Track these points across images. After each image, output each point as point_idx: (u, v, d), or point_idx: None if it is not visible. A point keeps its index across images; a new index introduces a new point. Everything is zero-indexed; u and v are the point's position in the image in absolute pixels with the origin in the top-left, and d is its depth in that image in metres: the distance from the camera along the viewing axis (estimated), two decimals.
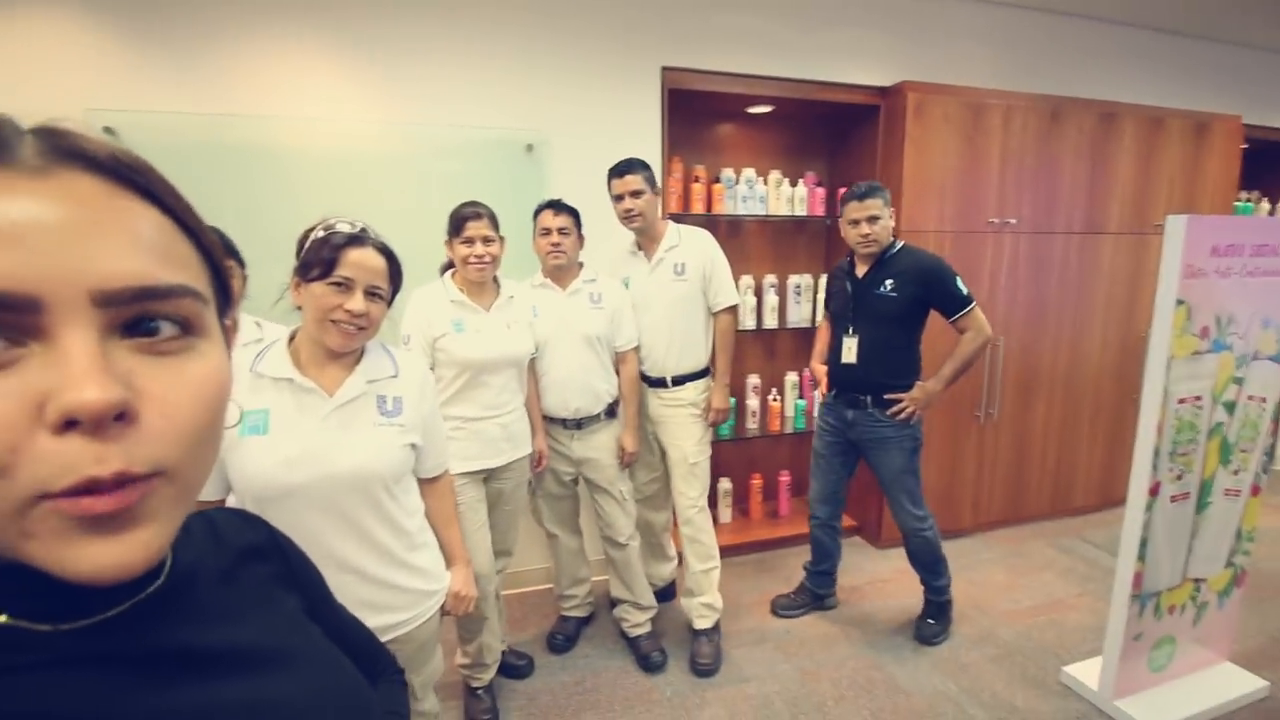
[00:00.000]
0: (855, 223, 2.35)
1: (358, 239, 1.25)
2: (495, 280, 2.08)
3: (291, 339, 1.31)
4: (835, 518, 2.68)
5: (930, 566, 2.56)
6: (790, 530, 3.28)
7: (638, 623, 2.54)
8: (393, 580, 1.32)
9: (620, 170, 2.30)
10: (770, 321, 3.22)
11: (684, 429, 2.47)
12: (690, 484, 2.48)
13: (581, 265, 2.33)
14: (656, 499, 2.67)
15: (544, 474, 2.37)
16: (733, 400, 3.14)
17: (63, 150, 0.32)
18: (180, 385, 0.34)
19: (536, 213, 2.25)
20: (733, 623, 2.69)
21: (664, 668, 2.45)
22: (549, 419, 2.34)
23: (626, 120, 2.75)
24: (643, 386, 2.48)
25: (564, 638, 2.58)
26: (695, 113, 3.03)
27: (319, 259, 1.22)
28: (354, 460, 1.24)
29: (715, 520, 3.27)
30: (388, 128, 2.52)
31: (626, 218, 2.32)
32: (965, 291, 2.33)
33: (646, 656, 2.46)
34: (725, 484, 3.33)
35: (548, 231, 2.21)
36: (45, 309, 0.30)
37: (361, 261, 1.24)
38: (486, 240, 1.95)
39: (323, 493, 1.22)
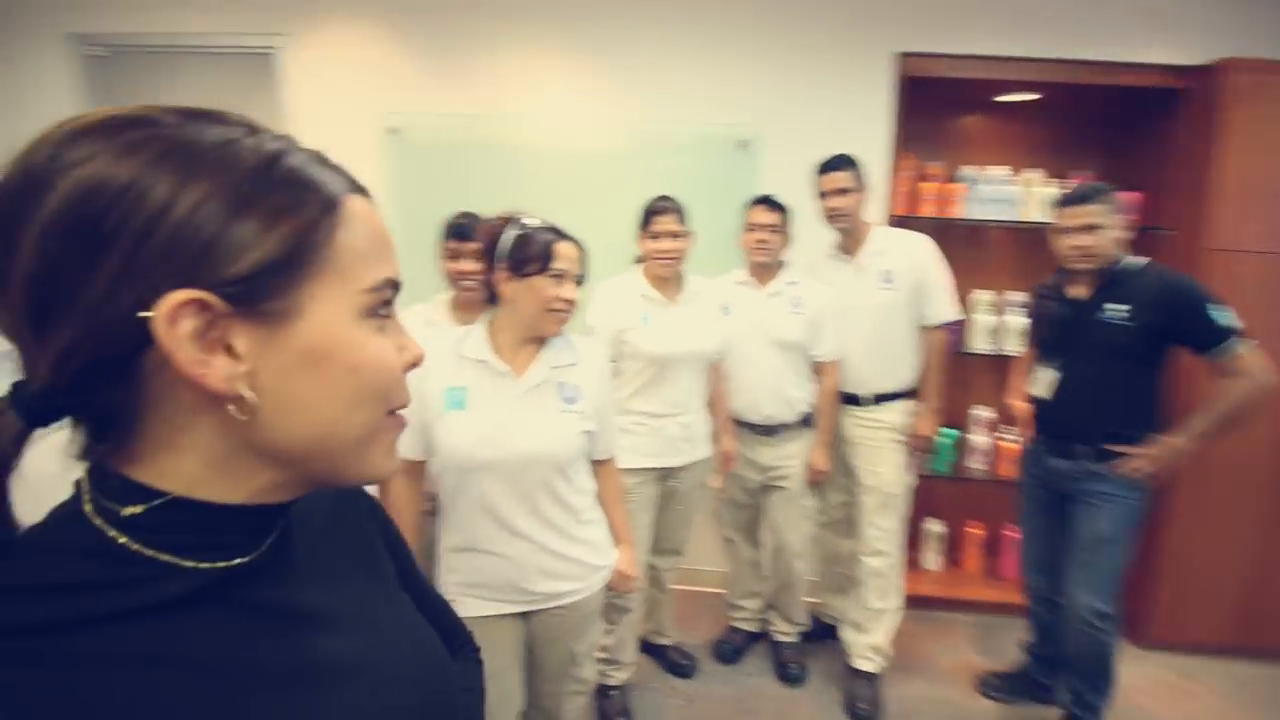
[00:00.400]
0: (1066, 232, 1.90)
1: (560, 233, 1.39)
2: (682, 275, 2.07)
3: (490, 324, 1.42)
4: (1058, 591, 2.11)
5: (1092, 678, 1.99)
6: (1014, 597, 2.76)
7: (784, 631, 2.45)
8: (566, 551, 1.41)
9: (829, 166, 2.15)
10: (1012, 345, 2.75)
11: (882, 454, 2.23)
12: (884, 515, 2.22)
13: (784, 265, 2.22)
14: (845, 525, 2.44)
15: (729, 478, 2.30)
16: (955, 433, 2.75)
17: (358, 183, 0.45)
18: None
19: (748, 207, 2.20)
20: (914, 683, 2.37)
21: (801, 682, 2.34)
22: (739, 423, 2.25)
23: (849, 114, 2.56)
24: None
25: (731, 648, 2.49)
26: (931, 103, 2.71)
27: (535, 254, 1.33)
28: (536, 443, 1.34)
29: (916, 565, 2.92)
30: (613, 124, 2.65)
31: (832, 217, 2.17)
32: (1225, 321, 1.75)
33: (785, 665, 2.38)
34: (935, 526, 2.93)
35: (755, 227, 2.15)
36: (399, 290, 0.45)
37: (568, 253, 1.37)
38: (673, 235, 1.95)
39: (506, 469, 1.32)
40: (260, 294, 0.37)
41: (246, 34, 2.65)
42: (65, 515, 0.39)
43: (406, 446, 1.36)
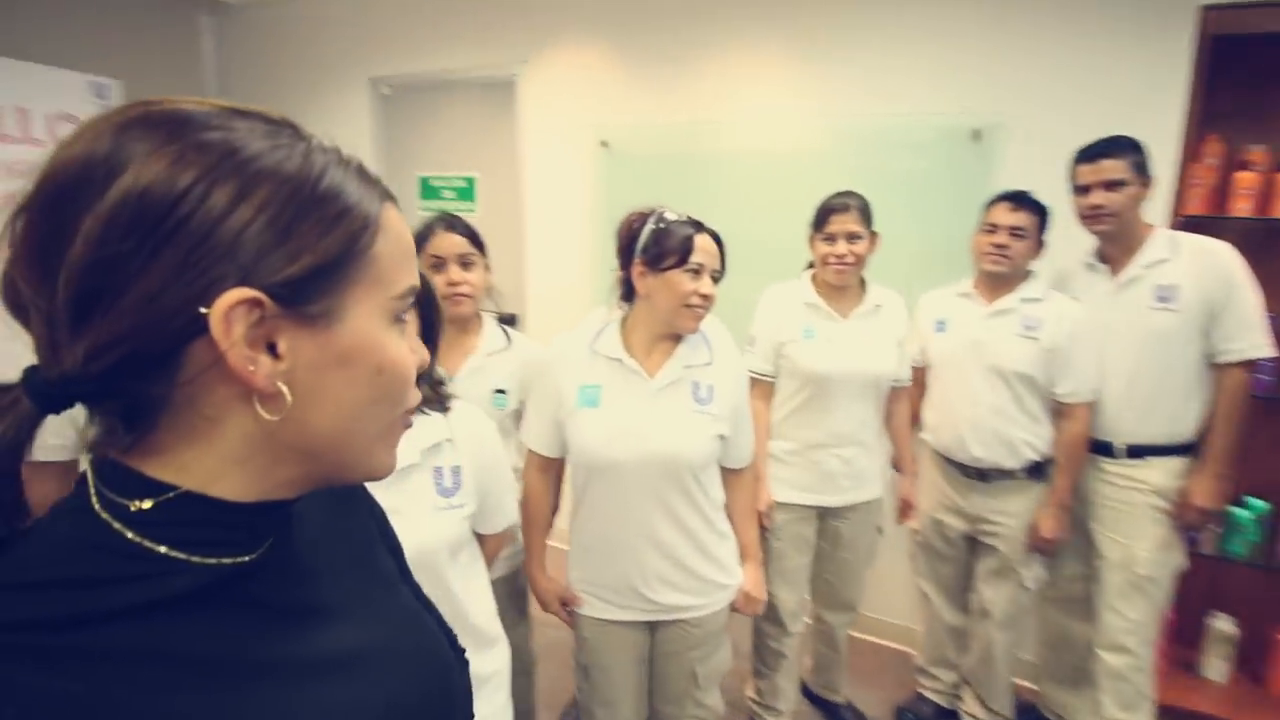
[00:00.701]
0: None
1: (699, 225, 1.32)
2: (862, 283, 1.82)
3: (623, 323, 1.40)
4: None
5: None
6: None
7: (978, 717, 2.01)
8: (690, 564, 1.36)
9: (1094, 152, 1.71)
10: None
11: (1136, 524, 1.74)
12: (1131, 602, 1.74)
13: (1028, 277, 1.83)
14: (1080, 605, 1.93)
15: (928, 522, 1.99)
16: (1262, 505, 2.05)
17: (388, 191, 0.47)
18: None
19: (989, 205, 1.83)
20: None
21: None
22: (944, 459, 1.93)
23: (1123, 88, 2.03)
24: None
25: (915, 717, 2.16)
26: (1247, 70, 2.02)
27: (672, 248, 1.28)
28: (668, 443, 1.30)
29: (1194, 670, 2.24)
30: (824, 122, 2.45)
31: (1092, 216, 1.73)
32: None
33: None
34: (1226, 625, 2.21)
35: (994, 229, 1.78)
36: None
37: (706, 247, 1.31)
38: (852, 237, 1.70)
39: (638, 470, 1.30)
40: (307, 296, 0.38)
41: (494, 65, 2.98)
42: (70, 509, 0.40)
43: (541, 443, 1.39)
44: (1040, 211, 1.78)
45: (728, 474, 1.45)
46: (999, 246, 1.76)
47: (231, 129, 0.37)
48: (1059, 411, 1.80)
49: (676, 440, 1.31)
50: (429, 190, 3.32)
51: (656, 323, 1.34)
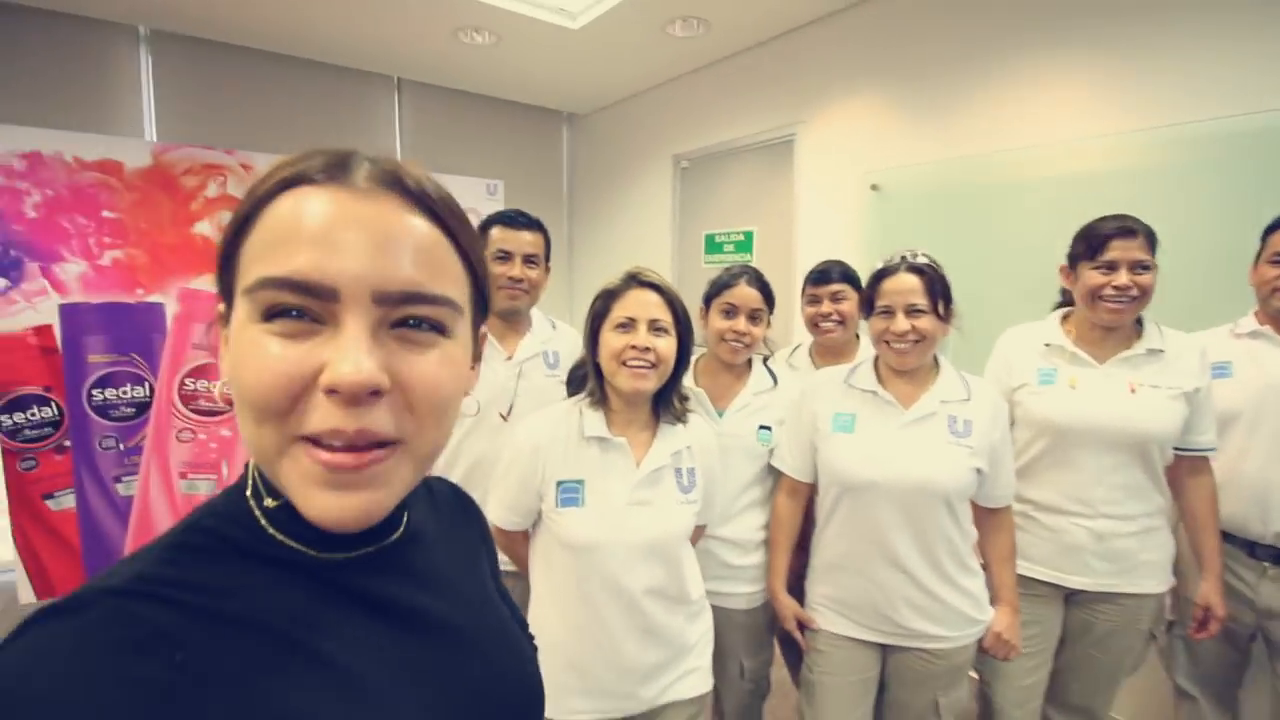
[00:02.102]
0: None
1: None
2: (1140, 323, 1.51)
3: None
4: None
5: None
6: None
7: None
8: (939, 593, 1.37)
9: None
10: None
11: None
12: None
13: None
14: None
15: (1197, 614, 1.54)
16: None
17: (387, 179, 0.41)
18: (424, 374, 0.40)
19: (1271, 231, 1.52)
20: None
21: None
22: (1228, 536, 1.52)
23: None
24: None
25: None
26: None
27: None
28: (924, 470, 1.34)
29: None
30: (1129, 137, 2.13)
31: None
32: None
33: None
34: None
35: None
36: (339, 299, 0.38)
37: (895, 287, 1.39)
38: (1138, 266, 1.42)
39: (893, 493, 1.35)
40: (223, 300, 0.42)
41: (774, 128, 3.26)
42: (235, 492, 0.44)
43: (792, 467, 1.50)
44: None
45: (985, 513, 1.44)
46: None
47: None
48: None
49: (933, 466, 1.33)
50: (712, 245, 3.69)
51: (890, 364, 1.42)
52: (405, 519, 0.49)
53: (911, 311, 1.33)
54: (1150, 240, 1.45)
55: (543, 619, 1.21)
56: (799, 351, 2.00)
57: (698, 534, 1.42)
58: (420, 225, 0.41)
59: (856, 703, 1.42)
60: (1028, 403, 1.55)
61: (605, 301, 1.25)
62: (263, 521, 0.42)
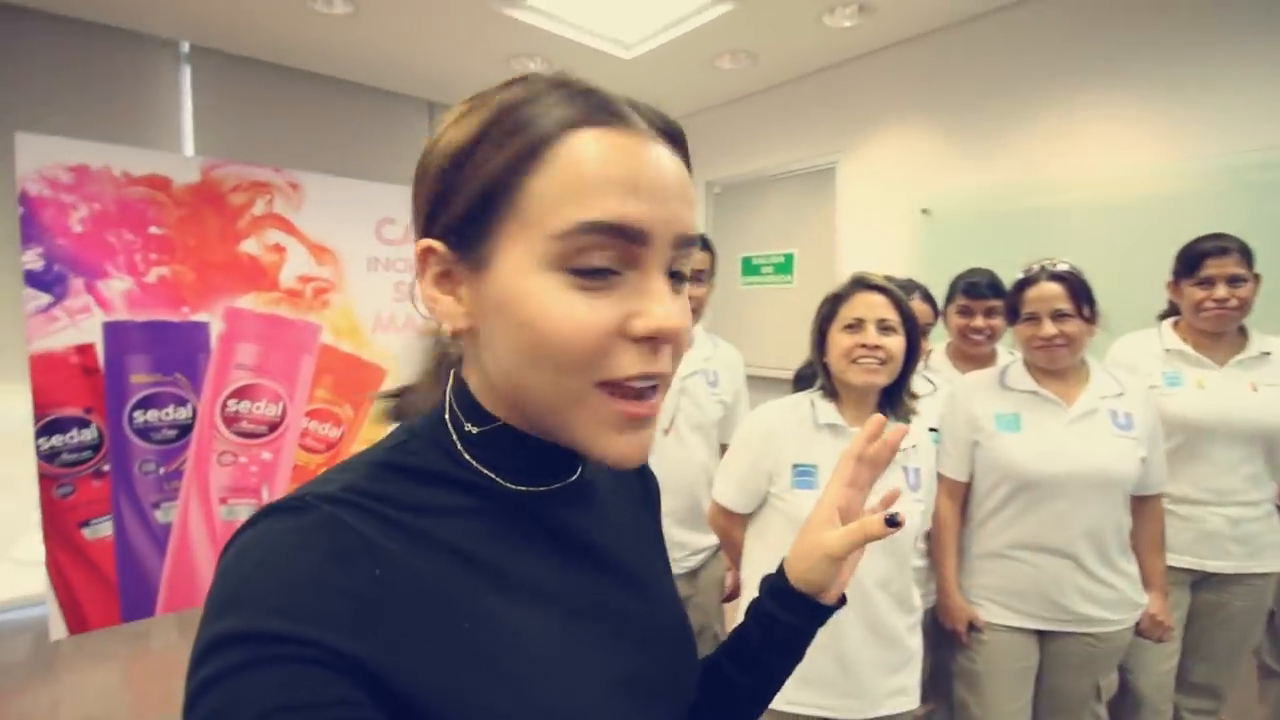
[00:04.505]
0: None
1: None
2: (1243, 330, 1.68)
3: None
4: None
5: None
6: None
7: None
8: (1107, 578, 1.44)
9: None
10: None
11: None
12: None
13: None
14: None
15: None
16: None
17: (660, 122, 0.42)
18: (685, 317, 0.42)
19: None
20: None
21: None
22: None
23: None
24: None
25: None
26: None
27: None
28: (1099, 462, 1.42)
29: None
30: (1169, 166, 2.36)
31: None
32: None
33: None
34: None
35: None
36: (650, 244, 0.39)
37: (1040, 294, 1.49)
38: (1234, 280, 1.60)
39: (1071, 486, 1.43)
40: (469, 241, 0.40)
41: (813, 158, 3.41)
42: (434, 418, 0.46)
43: (952, 468, 1.55)
44: None
45: (1138, 503, 1.51)
46: None
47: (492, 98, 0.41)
48: None
49: (1105, 459, 1.41)
50: (749, 268, 3.81)
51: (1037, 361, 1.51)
52: (582, 464, 0.49)
53: (1057, 316, 1.43)
54: (1245, 255, 1.63)
55: None
56: (934, 355, 2.05)
57: None
58: (685, 170, 0.42)
59: (1019, 690, 1.48)
60: (1160, 403, 1.67)
61: (832, 305, 1.31)
62: (460, 447, 0.44)
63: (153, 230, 2.78)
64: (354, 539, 0.36)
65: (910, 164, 3.06)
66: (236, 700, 0.31)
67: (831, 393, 1.32)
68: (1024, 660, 1.48)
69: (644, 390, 0.40)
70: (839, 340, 1.27)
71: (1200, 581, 1.68)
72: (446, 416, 0.45)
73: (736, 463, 1.34)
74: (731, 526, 1.38)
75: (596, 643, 0.44)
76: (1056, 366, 1.48)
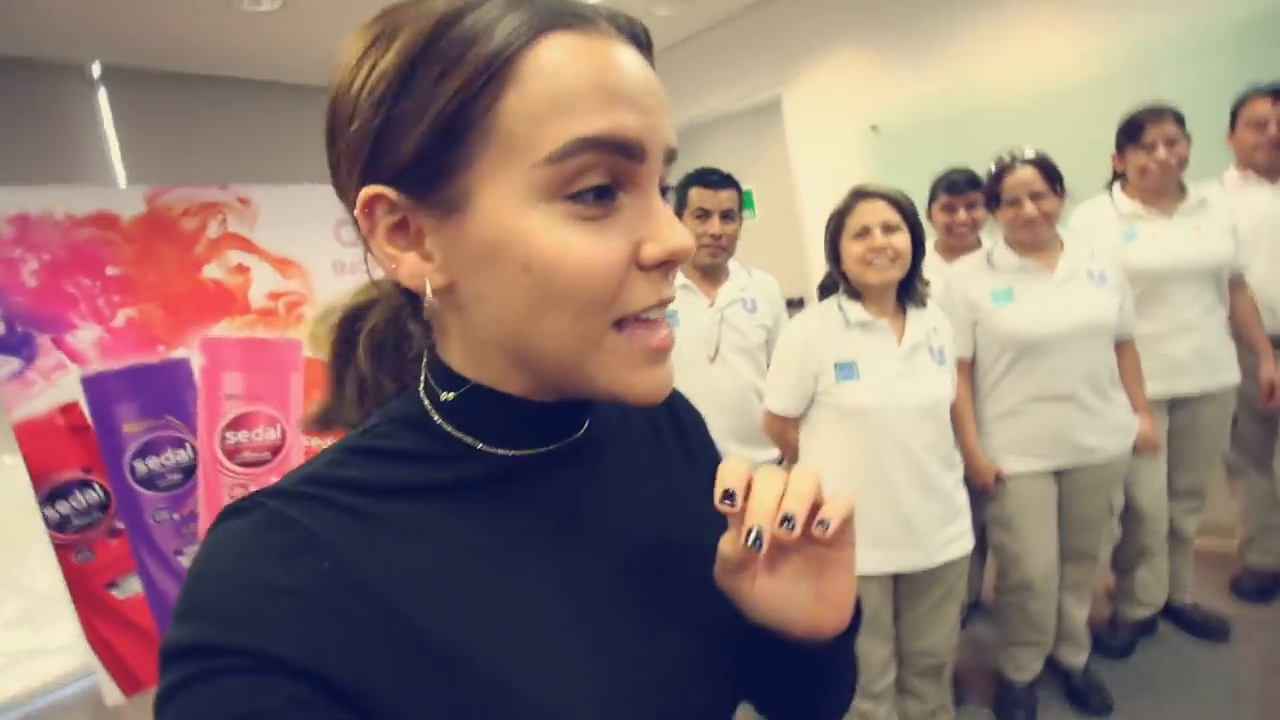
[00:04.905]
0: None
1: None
2: (1181, 185, 1.92)
3: None
4: None
5: None
6: None
7: None
8: (1103, 411, 1.67)
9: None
10: None
11: None
12: None
13: None
14: None
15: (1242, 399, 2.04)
16: None
17: (629, 28, 0.37)
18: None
19: (1242, 100, 2.01)
20: None
21: None
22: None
23: None
24: None
25: (1254, 587, 2.19)
26: None
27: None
28: (1088, 315, 1.64)
29: None
30: (1101, 50, 2.57)
31: None
32: None
33: None
34: None
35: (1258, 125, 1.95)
36: (645, 159, 0.35)
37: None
38: (1171, 142, 1.82)
39: (1070, 339, 1.63)
40: (430, 182, 0.34)
41: (759, 90, 3.52)
42: (410, 393, 0.43)
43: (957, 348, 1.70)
44: None
45: (1116, 346, 1.73)
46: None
47: (408, 11, 0.35)
48: None
49: (1093, 312, 1.63)
50: None
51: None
52: (588, 421, 0.45)
53: (1035, 196, 1.62)
54: (1178, 119, 1.85)
55: None
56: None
57: None
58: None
59: (1046, 522, 1.72)
60: (1122, 257, 1.90)
61: (838, 219, 1.45)
62: (436, 418, 0.40)
63: (110, 271, 2.63)
64: (297, 534, 0.34)
65: (854, 85, 3.21)
66: (193, 714, 0.30)
67: (854, 294, 1.47)
68: (1046, 497, 1.72)
69: (658, 320, 0.38)
70: (851, 248, 1.41)
71: (1176, 404, 1.96)
72: (421, 390, 0.42)
73: (783, 373, 1.50)
74: (786, 429, 1.56)
75: (588, 627, 0.40)
76: (1039, 240, 1.67)
